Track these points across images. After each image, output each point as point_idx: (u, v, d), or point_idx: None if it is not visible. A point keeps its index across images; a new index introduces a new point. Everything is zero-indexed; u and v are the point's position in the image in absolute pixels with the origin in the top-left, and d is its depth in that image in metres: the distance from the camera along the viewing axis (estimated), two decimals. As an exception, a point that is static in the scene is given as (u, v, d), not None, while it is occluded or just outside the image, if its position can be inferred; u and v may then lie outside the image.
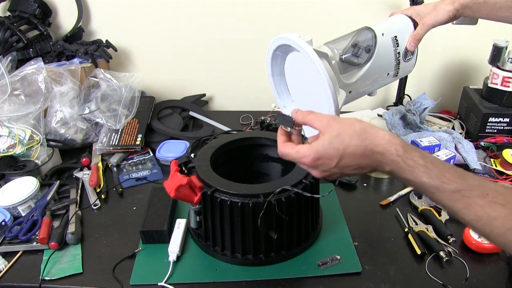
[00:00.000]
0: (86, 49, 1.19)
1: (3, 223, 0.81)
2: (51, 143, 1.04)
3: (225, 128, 1.18)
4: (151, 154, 1.09)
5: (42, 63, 1.06)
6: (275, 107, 1.27)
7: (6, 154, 0.94)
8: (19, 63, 1.13)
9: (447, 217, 0.81)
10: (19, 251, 0.78)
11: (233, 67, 1.36)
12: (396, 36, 0.82)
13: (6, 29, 1.15)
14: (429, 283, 0.70)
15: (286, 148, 0.58)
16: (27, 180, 0.89)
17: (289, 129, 0.61)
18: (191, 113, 1.26)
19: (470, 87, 1.22)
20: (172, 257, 0.74)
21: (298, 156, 0.56)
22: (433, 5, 0.84)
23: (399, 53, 0.83)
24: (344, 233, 0.81)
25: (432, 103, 1.14)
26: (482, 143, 1.08)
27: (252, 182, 0.71)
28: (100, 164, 1.03)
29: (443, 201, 0.50)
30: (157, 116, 1.20)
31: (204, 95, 1.39)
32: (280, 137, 0.61)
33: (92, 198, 0.92)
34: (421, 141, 0.95)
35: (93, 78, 1.13)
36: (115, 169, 1.02)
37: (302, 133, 0.62)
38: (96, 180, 0.96)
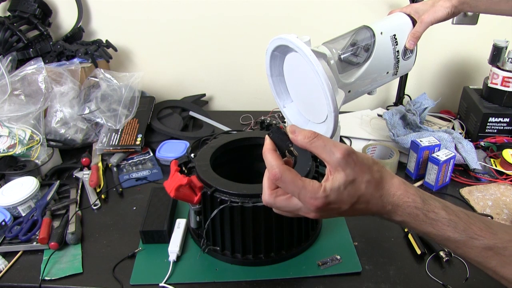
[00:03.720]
0: (86, 49, 1.19)
1: (3, 223, 0.81)
2: (51, 143, 1.04)
3: (225, 128, 1.18)
4: (151, 154, 1.09)
5: (42, 63, 1.06)
6: (273, 111, 1.27)
7: (6, 154, 0.94)
8: (19, 63, 1.14)
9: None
10: (19, 251, 0.78)
11: (233, 67, 1.36)
12: (395, 35, 0.82)
13: (6, 29, 1.15)
14: (429, 283, 0.70)
15: (289, 174, 0.46)
16: (27, 180, 0.89)
17: (282, 151, 0.49)
18: (191, 113, 1.26)
19: (470, 87, 1.22)
20: (172, 257, 0.74)
21: (306, 194, 0.45)
22: (431, 2, 0.84)
23: (398, 51, 0.83)
24: (344, 233, 0.81)
25: (432, 103, 1.14)
26: (482, 143, 1.08)
27: (252, 182, 0.71)
28: (100, 164, 1.03)
29: (469, 256, 0.46)
30: (157, 116, 1.20)
31: (204, 95, 1.39)
32: (274, 153, 0.48)
33: (92, 198, 0.92)
34: (421, 141, 0.95)
35: (93, 78, 1.13)
36: (115, 169, 1.02)
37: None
38: (96, 180, 0.96)
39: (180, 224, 0.80)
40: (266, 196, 0.49)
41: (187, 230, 0.81)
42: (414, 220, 0.46)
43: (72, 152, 1.09)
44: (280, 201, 0.48)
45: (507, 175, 0.97)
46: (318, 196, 0.45)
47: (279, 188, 0.48)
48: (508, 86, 1.07)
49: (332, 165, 0.46)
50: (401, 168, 1.02)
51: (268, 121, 1.19)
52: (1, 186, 0.90)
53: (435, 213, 0.46)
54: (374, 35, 0.80)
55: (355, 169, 0.45)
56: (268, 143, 0.50)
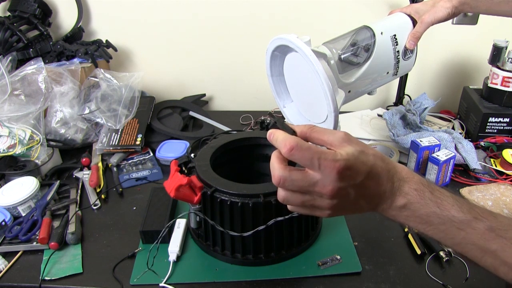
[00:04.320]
0: (86, 49, 1.19)
1: (3, 223, 0.81)
2: (51, 143, 1.04)
3: (225, 128, 1.18)
4: (151, 154, 1.09)
5: (42, 63, 1.06)
6: (273, 111, 1.27)
7: (6, 154, 0.94)
8: (19, 63, 1.14)
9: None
10: (19, 251, 0.78)
11: (233, 67, 1.36)
12: (395, 35, 0.82)
13: (6, 29, 1.15)
14: (429, 283, 0.70)
15: (304, 142, 0.44)
16: (27, 180, 0.89)
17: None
18: (191, 113, 1.26)
19: (470, 87, 1.22)
20: (172, 257, 0.74)
21: (327, 156, 0.43)
22: (431, 2, 0.84)
23: (398, 51, 0.83)
24: (344, 233, 0.81)
25: (432, 103, 1.14)
26: (482, 143, 1.08)
27: (252, 182, 0.71)
28: (100, 164, 1.03)
29: (472, 239, 0.45)
30: (157, 116, 1.20)
31: (204, 95, 1.39)
32: (282, 131, 0.49)
33: (92, 198, 0.92)
34: (421, 141, 0.95)
35: (93, 78, 1.13)
36: (115, 169, 1.02)
37: None
38: (96, 180, 0.96)
39: (180, 224, 0.80)
40: (277, 170, 0.46)
41: (187, 230, 0.81)
42: (420, 197, 0.46)
43: (72, 152, 1.09)
44: (295, 174, 0.45)
45: (507, 175, 0.97)
46: (338, 158, 0.43)
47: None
48: (508, 86, 1.07)
49: (336, 143, 0.46)
50: (401, 168, 1.01)
51: (268, 121, 1.19)
52: (1, 186, 0.90)
53: (441, 192, 0.47)
54: (374, 35, 0.80)
55: (359, 143, 0.47)
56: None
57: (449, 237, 0.47)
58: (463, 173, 1.00)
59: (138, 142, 1.07)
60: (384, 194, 0.47)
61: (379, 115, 1.27)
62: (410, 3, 1.06)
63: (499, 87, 1.09)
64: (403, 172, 0.48)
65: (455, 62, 1.33)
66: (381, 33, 0.80)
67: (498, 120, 1.08)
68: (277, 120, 0.50)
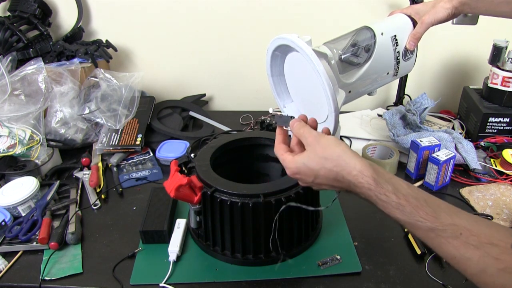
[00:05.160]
0: (86, 49, 1.19)
1: (3, 223, 0.81)
2: (51, 143, 1.04)
3: (225, 128, 1.18)
4: (151, 154, 1.09)
5: (42, 63, 1.06)
6: (273, 110, 1.27)
7: (6, 154, 0.94)
8: (19, 63, 1.13)
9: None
10: (19, 251, 0.78)
11: (233, 67, 1.36)
12: (395, 35, 0.82)
13: (6, 29, 1.15)
14: (429, 283, 0.70)
15: (279, 150, 0.62)
16: (27, 180, 0.89)
17: (288, 128, 0.64)
18: (191, 113, 1.26)
19: (470, 87, 1.22)
20: (172, 257, 0.74)
21: (284, 164, 0.61)
22: (432, 3, 0.84)
23: (398, 52, 0.83)
24: (344, 233, 0.81)
25: (432, 103, 1.14)
26: (482, 143, 1.08)
27: (252, 182, 0.71)
28: (100, 164, 1.03)
29: (417, 235, 0.52)
30: (157, 116, 1.20)
31: (204, 95, 1.39)
32: (278, 136, 0.64)
33: (92, 198, 0.92)
34: (421, 141, 0.95)
35: (93, 78, 1.13)
36: (115, 169, 1.02)
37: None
38: (96, 180, 0.96)
39: (180, 224, 0.80)
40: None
41: (187, 230, 0.81)
42: (369, 199, 0.54)
43: (72, 152, 1.09)
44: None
45: (507, 175, 0.97)
46: (288, 166, 0.59)
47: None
48: (508, 86, 1.07)
49: (305, 147, 0.58)
50: (401, 168, 1.02)
51: (268, 121, 1.19)
52: (1, 186, 0.90)
53: (386, 196, 0.52)
54: (374, 35, 0.80)
55: (317, 147, 0.56)
56: (278, 127, 0.66)
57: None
58: (463, 173, 1.00)
59: (138, 142, 1.07)
60: (343, 188, 0.57)
61: (379, 115, 1.27)
62: (411, 4, 1.06)
63: (499, 87, 1.09)
64: (351, 174, 0.53)
65: (455, 62, 1.33)
66: (382, 33, 0.80)
67: (498, 120, 1.08)
68: (276, 117, 0.66)
